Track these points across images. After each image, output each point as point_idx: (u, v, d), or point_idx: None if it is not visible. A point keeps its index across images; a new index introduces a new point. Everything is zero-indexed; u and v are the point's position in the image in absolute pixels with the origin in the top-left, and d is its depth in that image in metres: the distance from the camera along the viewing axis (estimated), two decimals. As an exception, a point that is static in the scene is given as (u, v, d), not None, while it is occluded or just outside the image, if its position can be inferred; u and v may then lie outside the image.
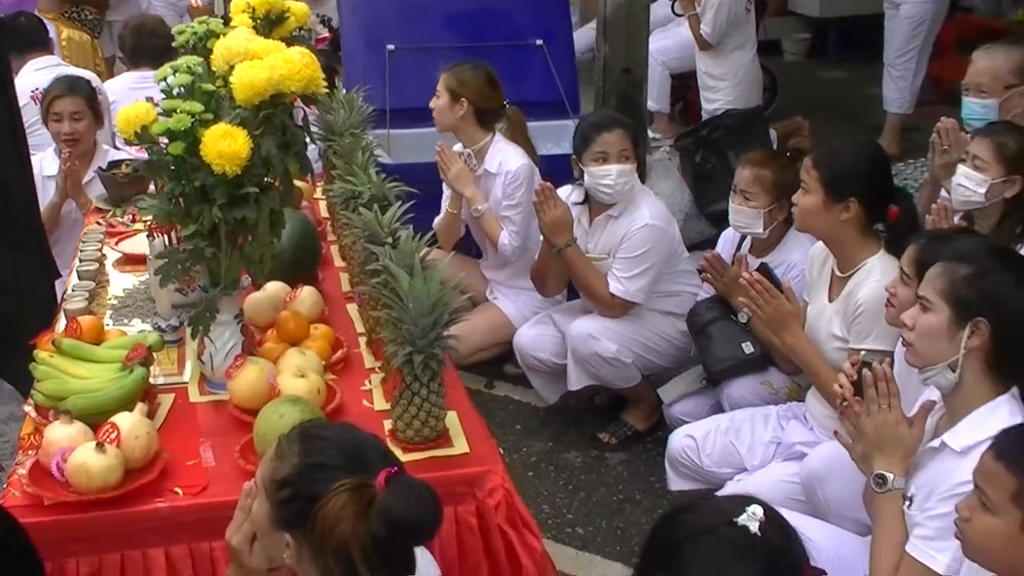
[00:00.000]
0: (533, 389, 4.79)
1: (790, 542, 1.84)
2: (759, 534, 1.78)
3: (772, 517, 1.82)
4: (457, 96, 4.82)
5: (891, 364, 3.05)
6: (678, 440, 3.86)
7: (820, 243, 3.71)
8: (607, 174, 4.28)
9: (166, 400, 3.04)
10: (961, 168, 3.82)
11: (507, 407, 4.88)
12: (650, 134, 6.93)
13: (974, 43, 4.50)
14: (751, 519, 1.80)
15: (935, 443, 2.67)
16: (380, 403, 2.98)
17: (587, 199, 4.45)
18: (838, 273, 3.60)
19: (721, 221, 4.73)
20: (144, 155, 3.01)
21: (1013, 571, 2.21)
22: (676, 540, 1.84)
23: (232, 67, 2.79)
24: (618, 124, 4.39)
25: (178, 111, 2.71)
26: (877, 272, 3.44)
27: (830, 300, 3.61)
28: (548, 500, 4.22)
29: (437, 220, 5.02)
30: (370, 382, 3.11)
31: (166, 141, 2.75)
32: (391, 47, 5.72)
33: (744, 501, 1.85)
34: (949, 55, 7.72)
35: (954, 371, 2.62)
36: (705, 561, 1.80)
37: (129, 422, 2.67)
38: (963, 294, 2.61)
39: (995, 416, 2.55)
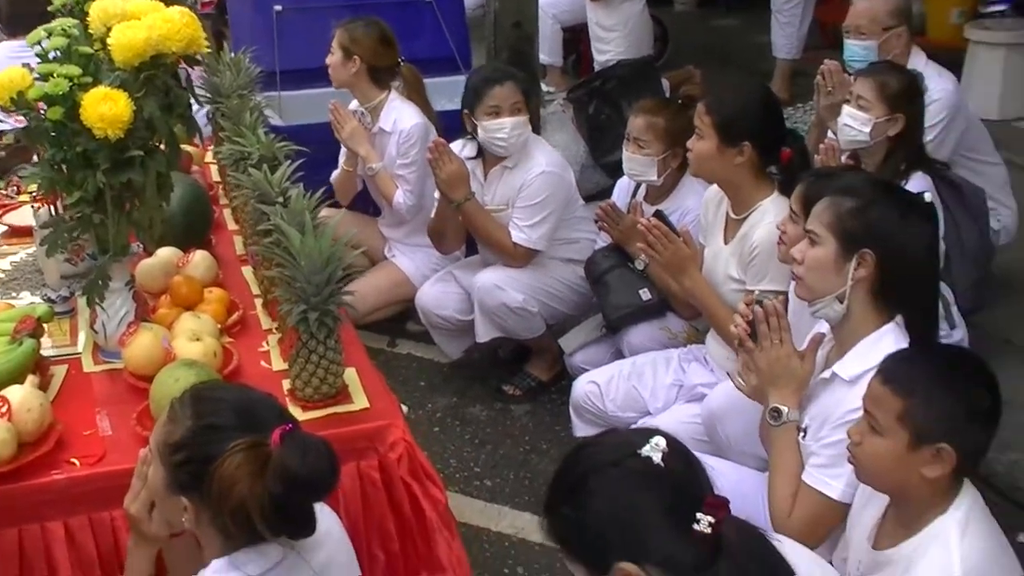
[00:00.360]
0: (436, 345, 4.79)
1: (693, 472, 1.87)
2: (662, 465, 1.81)
3: (675, 448, 1.85)
4: (349, 53, 4.78)
5: (785, 303, 3.12)
6: (582, 386, 3.90)
7: (714, 186, 3.75)
8: (501, 127, 4.28)
9: (59, 371, 2.98)
10: (846, 108, 3.90)
11: (410, 364, 4.88)
12: (543, 87, 6.94)
13: (858, -12, 4.55)
14: (654, 450, 1.82)
15: (826, 374, 2.73)
16: (278, 363, 2.96)
17: (480, 153, 4.45)
18: (733, 216, 3.64)
19: (617, 171, 4.75)
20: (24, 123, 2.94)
21: (901, 490, 2.30)
22: (580, 474, 1.86)
23: (109, 29, 2.73)
24: (509, 77, 4.38)
25: (55, 75, 2.65)
26: (771, 214, 3.49)
27: (725, 243, 3.66)
28: (455, 455, 4.24)
29: (334, 175, 5.00)
30: (267, 343, 3.09)
31: (44, 107, 2.69)
32: (278, 8, 5.64)
33: (647, 433, 1.88)
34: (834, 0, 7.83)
35: (842, 303, 2.68)
36: (609, 492, 1.82)
37: (20, 395, 2.61)
38: (849, 226, 2.66)
39: (881, 344, 2.61)
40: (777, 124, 3.68)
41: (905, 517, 2.30)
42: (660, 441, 1.84)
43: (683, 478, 1.84)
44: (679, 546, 1.78)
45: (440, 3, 5.81)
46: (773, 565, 1.85)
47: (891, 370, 2.31)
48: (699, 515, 1.77)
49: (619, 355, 4.15)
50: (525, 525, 3.84)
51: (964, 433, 2.22)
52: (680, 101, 4.26)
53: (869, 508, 2.45)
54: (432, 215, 4.62)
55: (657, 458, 1.82)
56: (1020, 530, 3.49)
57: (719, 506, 1.80)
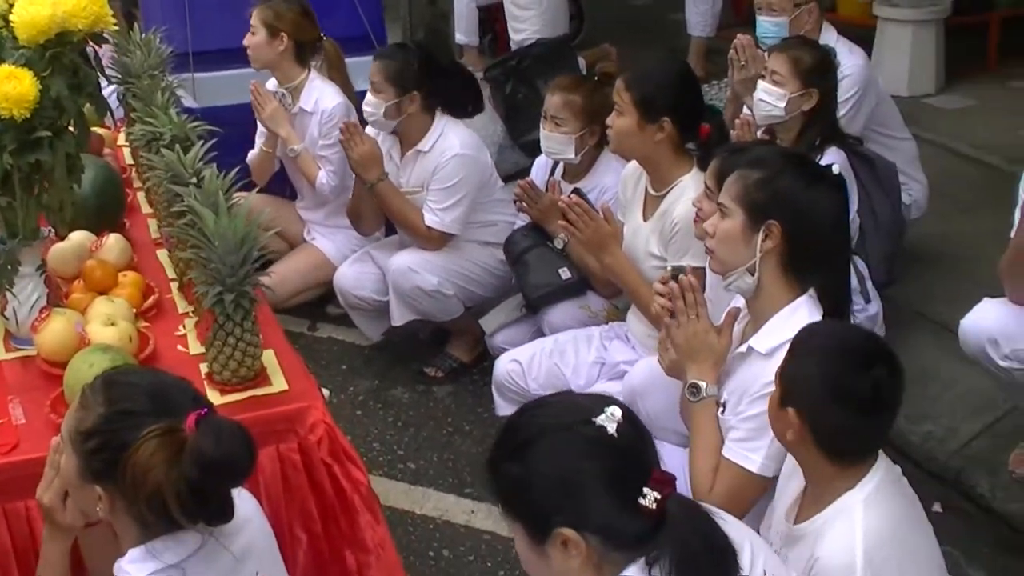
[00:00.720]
0: (356, 328, 4.76)
1: (644, 445, 1.88)
2: (615, 435, 1.82)
3: (629, 419, 1.86)
4: (275, 30, 4.72)
5: (703, 278, 3.14)
6: (504, 365, 3.89)
7: (633, 163, 3.75)
8: (368, 103, 4.30)
9: (-31, 360, 2.91)
10: (761, 84, 3.94)
11: (331, 347, 4.84)
12: (462, 67, 6.90)
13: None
14: (609, 419, 1.83)
15: (743, 348, 2.75)
16: (195, 347, 2.92)
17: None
18: (652, 192, 3.65)
19: (535, 150, 4.73)
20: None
21: (800, 459, 2.35)
22: (532, 433, 1.87)
23: (12, 5, 2.67)
24: (384, 55, 4.38)
25: (-45, 54, 2.59)
26: (691, 190, 3.49)
27: (644, 219, 3.67)
28: (378, 438, 4.21)
29: (251, 156, 4.93)
30: (184, 327, 3.05)
31: (-54, 87, 2.62)
32: (189, -13, 5.54)
33: (603, 401, 1.88)
34: (746, -23, 7.91)
35: (753, 275, 2.69)
36: (558, 456, 1.83)
37: (-74, 385, 2.56)
38: (755, 197, 2.68)
39: (796, 317, 2.63)
40: (696, 99, 3.69)
41: (816, 493, 2.33)
42: (616, 411, 1.85)
43: (633, 450, 1.86)
44: (622, 517, 1.80)
45: (352, -20, 5.74)
46: (715, 543, 1.87)
47: (800, 341, 2.35)
48: (646, 490, 1.78)
49: (540, 334, 4.14)
50: (449, 507, 3.83)
51: (822, 410, 2.24)
52: (597, 78, 4.25)
53: (792, 481, 2.47)
54: (351, 196, 4.58)
55: (612, 428, 1.82)
56: (936, 500, 3.57)
57: (666, 482, 1.81)
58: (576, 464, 1.82)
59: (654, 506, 1.78)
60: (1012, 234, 3.23)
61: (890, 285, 4.19)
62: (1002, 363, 3.30)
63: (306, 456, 2.69)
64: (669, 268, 3.30)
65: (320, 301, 5.06)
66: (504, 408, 3.91)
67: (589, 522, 1.81)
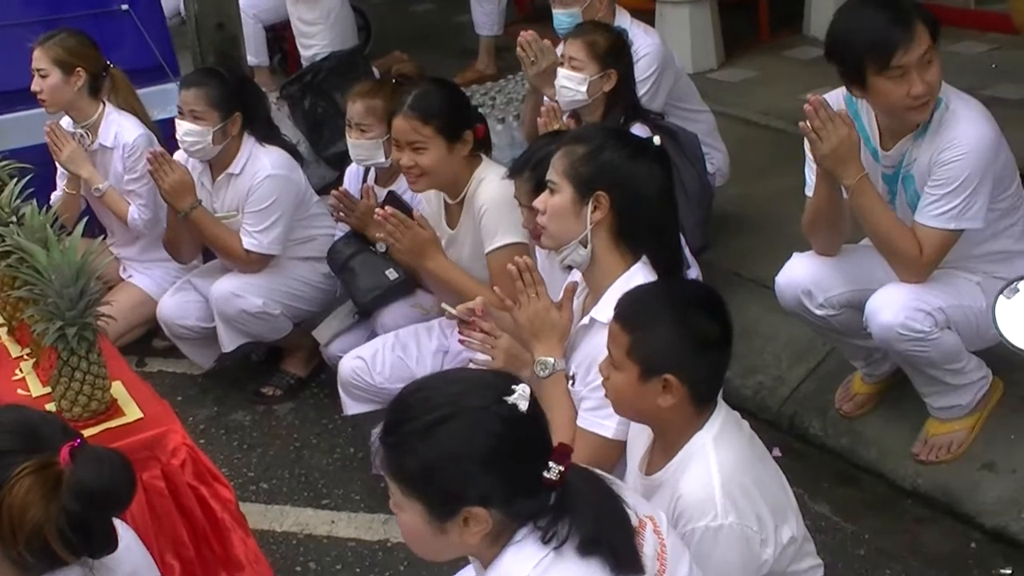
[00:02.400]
0: (187, 359, 4.69)
1: (545, 419, 1.93)
2: (525, 413, 1.86)
3: (534, 396, 1.89)
4: (70, 67, 4.59)
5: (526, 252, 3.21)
6: (348, 363, 3.87)
7: None
8: (179, 128, 4.25)
9: None
10: (561, 71, 4.05)
11: (163, 381, 4.73)
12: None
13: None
14: (521, 398, 1.86)
15: (585, 320, 2.83)
16: (37, 388, 2.86)
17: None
18: (450, 202, 3.72)
19: (341, 163, 4.75)
20: None
21: (650, 419, 2.44)
22: (441, 414, 1.86)
23: None
24: (195, 83, 4.31)
25: None
26: (485, 174, 3.60)
27: (453, 228, 3.74)
28: (226, 463, 4.14)
29: (54, 198, 4.78)
30: (21, 370, 2.97)
31: None
32: (-41, 30, 5.34)
33: (510, 379, 1.92)
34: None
35: (586, 247, 2.78)
36: (471, 436, 1.85)
37: None
38: (582, 171, 2.76)
39: (631, 285, 2.70)
40: (469, 105, 3.78)
41: (665, 442, 2.44)
42: (525, 389, 1.88)
43: (539, 426, 1.90)
44: (529, 492, 1.85)
45: (137, 10, 5.63)
46: (613, 510, 1.93)
47: (622, 307, 2.43)
48: (551, 463, 1.83)
49: (375, 338, 4.16)
50: (309, 521, 3.82)
51: (689, 363, 2.34)
52: (395, 80, 4.28)
53: (640, 439, 2.58)
54: (165, 226, 4.50)
55: (523, 406, 1.86)
56: (775, 446, 3.74)
57: (567, 454, 1.87)
58: (489, 444, 1.85)
59: (557, 478, 1.84)
60: (808, 191, 3.41)
61: (705, 250, 4.35)
62: (818, 312, 3.47)
63: (171, 481, 2.67)
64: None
65: (145, 337, 4.95)
66: (352, 407, 3.90)
67: (497, 498, 1.85)
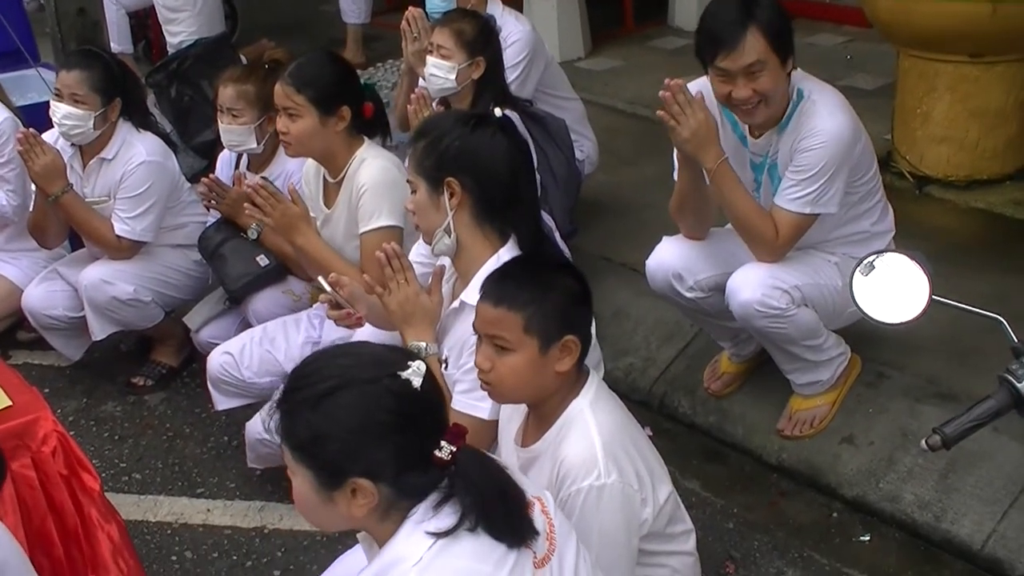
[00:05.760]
0: (54, 350, 4.61)
1: (440, 398, 1.96)
2: (418, 389, 1.88)
3: (429, 374, 1.92)
4: None
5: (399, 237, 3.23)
6: (216, 359, 3.84)
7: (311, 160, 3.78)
8: (56, 111, 4.17)
9: None
10: (430, 60, 4.09)
11: (29, 373, 4.53)
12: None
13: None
14: (415, 374, 1.88)
15: (455, 304, 2.88)
16: None
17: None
18: (331, 180, 3.71)
19: (209, 151, 4.70)
20: None
21: (541, 393, 2.49)
22: (334, 384, 1.88)
23: None
24: (78, 66, 4.21)
25: None
26: (367, 155, 3.61)
27: (329, 207, 3.73)
28: (96, 455, 4.09)
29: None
30: None
31: None
32: None
33: (405, 355, 1.95)
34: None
35: (451, 235, 2.83)
36: (361, 408, 1.87)
37: None
38: (427, 163, 2.82)
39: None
40: (356, 79, 3.75)
41: (542, 414, 2.51)
42: (421, 365, 1.91)
43: (433, 404, 1.93)
44: (418, 469, 1.88)
45: (-8, -5, 5.50)
46: (507, 485, 1.98)
47: (497, 291, 2.45)
48: (443, 443, 1.87)
49: (247, 326, 4.13)
50: (184, 510, 3.80)
51: (576, 319, 2.45)
52: (267, 66, 4.25)
53: (514, 417, 2.64)
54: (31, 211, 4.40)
55: (417, 382, 1.88)
56: (646, 426, 3.83)
57: (460, 434, 1.90)
58: (379, 417, 1.87)
59: (448, 458, 1.87)
60: (675, 176, 3.50)
61: (574, 235, 4.43)
62: (688, 295, 3.55)
63: (41, 472, 2.63)
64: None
65: (10, 329, 4.84)
66: (223, 402, 3.88)
67: (385, 473, 1.87)
